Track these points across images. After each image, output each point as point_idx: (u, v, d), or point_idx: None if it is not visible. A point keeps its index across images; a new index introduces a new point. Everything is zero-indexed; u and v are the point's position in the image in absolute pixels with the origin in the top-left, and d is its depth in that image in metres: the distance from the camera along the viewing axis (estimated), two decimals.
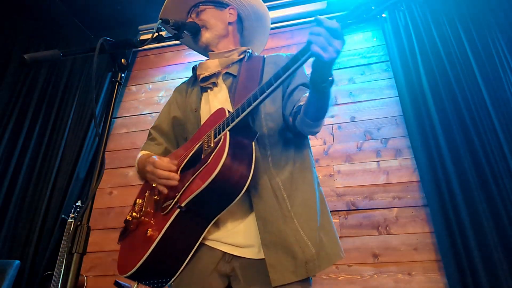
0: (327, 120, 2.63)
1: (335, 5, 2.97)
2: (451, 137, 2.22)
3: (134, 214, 1.11)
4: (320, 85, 0.96)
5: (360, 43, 2.88)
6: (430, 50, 2.51)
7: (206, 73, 1.28)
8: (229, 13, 1.37)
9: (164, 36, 1.10)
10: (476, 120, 2.22)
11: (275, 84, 0.97)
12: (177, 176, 1.05)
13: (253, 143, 1.03)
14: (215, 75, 1.28)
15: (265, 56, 1.33)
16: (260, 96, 0.99)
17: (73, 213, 2.39)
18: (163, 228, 0.98)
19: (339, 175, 2.45)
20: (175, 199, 1.01)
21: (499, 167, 2.07)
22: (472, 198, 2.04)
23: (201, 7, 1.35)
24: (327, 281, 2.18)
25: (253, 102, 1.00)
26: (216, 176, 0.92)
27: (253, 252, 1.04)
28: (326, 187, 2.43)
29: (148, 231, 1.02)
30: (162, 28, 1.12)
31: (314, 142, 2.60)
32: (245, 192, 0.97)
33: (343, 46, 0.91)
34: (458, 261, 1.95)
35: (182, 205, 0.95)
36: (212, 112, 1.19)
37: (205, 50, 1.37)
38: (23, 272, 2.37)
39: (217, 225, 1.09)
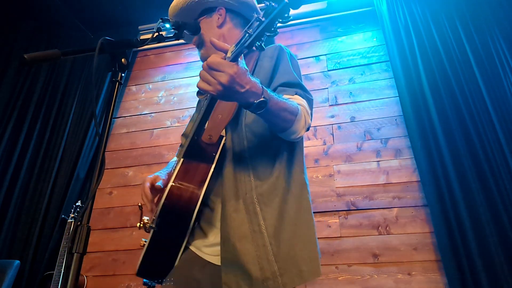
0: (327, 120, 2.65)
1: (335, 5, 2.98)
2: (451, 137, 2.22)
3: (145, 221, 1.23)
4: (248, 110, 0.93)
5: (360, 43, 2.88)
6: (430, 50, 2.51)
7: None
8: (218, 16, 1.33)
9: (164, 36, 1.10)
10: (476, 120, 2.22)
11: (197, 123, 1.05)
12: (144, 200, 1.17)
13: (212, 166, 1.09)
14: None
15: (263, 50, 1.31)
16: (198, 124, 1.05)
17: (73, 213, 2.39)
18: (149, 240, 1.12)
19: (339, 175, 2.45)
20: (152, 219, 1.13)
21: (499, 167, 2.07)
22: (472, 198, 2.04)
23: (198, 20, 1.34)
24: (327, 281, 2.18)
25: (194, 131, 1.07)
26: (166, 198, 1.03)
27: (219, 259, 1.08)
28: (326, 187, 2.43)
29: (142, 241, 1.19)
30: (162, 28, 1.11)
31: (314, 142, 2.60)
32: (215, 207, 1.09)
33: (231, 77, 0.83)
34: (458, 261, 1.95)
35: (153, 225, 1.06)
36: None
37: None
38: (23, 272, 2.37)
39: (204, 233, 1.14)
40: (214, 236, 1.10)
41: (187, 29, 1.26)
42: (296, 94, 1.10)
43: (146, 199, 1.16)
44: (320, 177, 2.48)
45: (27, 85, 3.08)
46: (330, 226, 2.32)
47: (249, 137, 1.12)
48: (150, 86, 3.20)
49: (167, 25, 1.18)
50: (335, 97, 2.72)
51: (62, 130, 2.92)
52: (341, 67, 2.82)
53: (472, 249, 1.93)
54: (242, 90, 0.86)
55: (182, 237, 1.10)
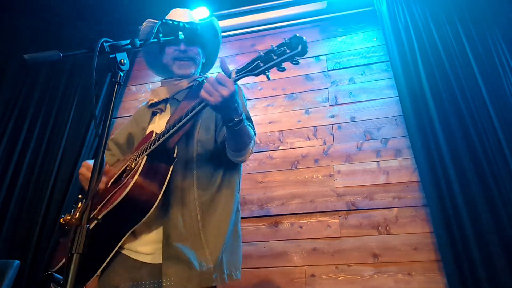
0: (327, 120, 2.65)
1: (335, 5, 2.98)
2: (451, 137, 2.22)
3: (68, 217, 1.26)
4: (227, 124, 1.10)
5: (360, 43, 2.88)
6: (430, 50, 2.51)
7: (155, 100, 1.44)
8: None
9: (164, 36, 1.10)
10: (476, 120, 2.22)
11: (178, 125, 1.12)
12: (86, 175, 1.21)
13: (170, 168, 1.17)
14: (163, 101, 1.43)
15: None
16: (172, 128, 1.13)
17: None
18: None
19: (339, 175, 2.45)
20: (95, 211, 1.13)
21: (499, 167, 2.06)
22: (472, 198, 2.04)
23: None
24: (327, 281, 2.18)
25: (166, 134, 1.14)
26: (125, 195, 1.05)
27: (159, 257, 1.15)
28: (326, 187, 2.43)
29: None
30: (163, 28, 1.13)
31: (314, 142, 2.60)
32: (161, 208, 1.15)
33: (231, 93, 1.00)
34: (458, 261, 1.95)
35: (99, 217, 1.06)
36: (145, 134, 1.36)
37: (172, 75, 1.47)
38: (23, 272, 2.37)
39: (133, 235, 1.20)
40: (149, 236, 1.19)
41: (186, 30, 1.27)
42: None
43: (86, 170, 1.23)
44: (320, 177, 2.48)
45: (27, 85, 3.08)
46: (330, 226, 2.32)
47: (199, 151, 1.27)
48: (150, 86, 3.21)
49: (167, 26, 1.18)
50: (335, 97, 2.72)
51: (62, 130, 2.92)
52: (341, 67, 2.82)
53: (472, 249, 1.93)
54: (232, 107, 1.05)
55: (123, 234, 1.12)
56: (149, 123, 1.43)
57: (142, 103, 1.66)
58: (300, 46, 0.93)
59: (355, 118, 2.61)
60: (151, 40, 1.09)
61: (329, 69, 2.84)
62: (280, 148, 2.64)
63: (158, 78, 3.19)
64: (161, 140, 1.14)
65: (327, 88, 2.77)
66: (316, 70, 2.87)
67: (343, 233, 2.28)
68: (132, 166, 1.18)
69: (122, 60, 0.95)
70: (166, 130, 1.15)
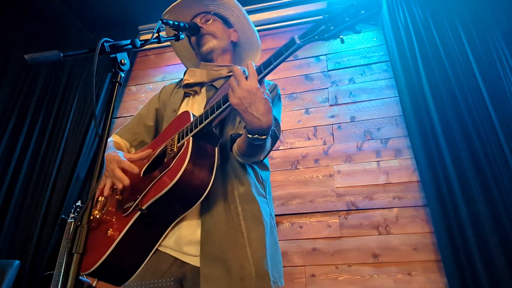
0: (327, 120, 2.65)
1: (335, 5, 2.97)
2: (451, 137, 2.22)
3: (96, 212, 1.12)
4: (246, 135, 1.00)
5: (360, 43, 2.87)
6: (430, 50, 2.51)
7: (191, 80, 1.32)
8: (233, 33, 1.43)
9: (164, 36, 1.10)
10: (476, 120, 2.22)
11: (224, 106, 1.01)
12: (127, 181, 1.04)
13: (216, 149, 1.05)
14: (199, 84, 1.32)
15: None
16: (224, 104, 1.01)
17: (73, 213, 2.39)
18: (123, 229, 0.99)
19: (339, 175, 2.45)
20: (137, 201, 1.01)
21: (499, 167, 2.06)
22: (472, 198, 2.04)
23: (211, 17, 1.38)
24: (327, 281, 2.18)
25: (216, 111, 1.02)
26: (177, 181, 0.94)
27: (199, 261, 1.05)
28: (326, 187, 2.43)
29: (109, 231, 1.03)
30: (162, 28, 1.12)
31: (314, 142, 2.60)
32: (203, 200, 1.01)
33: (250, 91, 0.92)
34: (458, 261, 1.95)
35: (143, 207, 0.96)
36: (178, 114, 1.22)
37: (202, 58, 1.38)
38: (23, 272, 2.37)
39: (173, 232, 1.09)
40: (188, 232, 1.07)
41: (187, 30, 1.28)
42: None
43: (125, 182, 1.04)
44: (320, 177, 2.48)
45: (27, 85, 3.08)
46: (330, 226, 2.32)
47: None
48: (150, 86, 3.20)
49: (167, 26, 1.18)
50: (335, 97, 2.72)
51: (62, 130, 2.92)
52: (341, 67, 2.82)
53: (472, 249, 1.93)
54: (256, 114, 0.94)
55: (166, 227, 1.02)
56: (180, 104, 1.32)
57: (171, 81, 1.53)
58: (375, 4, 0.85)
59: (355, 118, 2.61)
60: (151, 40, 1.08)
61: (329, 69, 2.84)
62: (280, 148, 2.64)
63: (158, 78, 3.21)
64: (210, 118, 1.01)
65: (327, 88, 2.77)
66: (316, 70, 2.87)
67: (343, 233, 2.28)
68: (175, 149, 1.05)
69: (122, 60, 0.95)
70: (212, 110, 1.03)
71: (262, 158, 1.16)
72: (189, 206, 1.00)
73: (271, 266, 1.05)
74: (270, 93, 1.24)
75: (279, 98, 1.32)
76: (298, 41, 0.92)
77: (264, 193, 1.19)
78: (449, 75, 2.40)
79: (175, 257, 1.07)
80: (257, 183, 1.18)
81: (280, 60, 0.93)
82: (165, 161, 1.07)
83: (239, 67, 0.98)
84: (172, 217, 1.03)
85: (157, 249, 1.08)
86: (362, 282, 2.13)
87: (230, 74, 1.31)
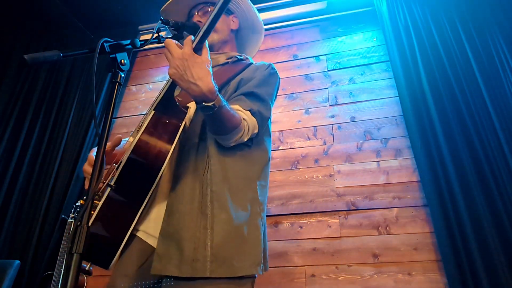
0: (327, 120, 2.65)
1: (335, 5, 2.98)
2: (451, 137, 2.22)
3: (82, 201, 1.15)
4: (197, 105, 0.96)
5: (360, 43, 2.88)
6: (430, 50, 2.51)
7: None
8: (232, 21, 1.40)
9: (164, 36, 1.10)
10: (476, 120, 2.22)
11: None
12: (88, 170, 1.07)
13: (182, 123, 1.03)
14: None
15: (252, 63, 1.35)
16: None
17: (73, 213, 2.39)
18: (97, 208, 1.00)
19: (339, 175, 2.45)
20: (108, 179, 1.04)
21: (499, 167, 2.06)
22: (472, 198, 2.04)
23: (211, 8, 1.34)
24: (327, 281, 2.18)
25: (166, 85, 1.01)
26: (132, 151, 0.95)
27: None
28: (326, 187, 2.43)
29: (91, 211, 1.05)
30: (162, 28, 1.12)
31: (314, 142, 2.60)
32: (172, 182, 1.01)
33: (179, 59, 0.91)
34: (458, 261, 1.95)
35: (111, 183, 0.96)
36: None
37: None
38: (23, 272, 2.37)
39: (147, 214, 1.09)
40: (159, 216, 1.06)
41: (186, 30, 1.27)
42: (249, 110, 1.11)
43: (88, 166, 1.07)
44: (320, 177, 2.48)
45: (27, 85, 3.08)
46: (330, 226, 2.32)
47: None
48: (151, 86, 3.21)
49: (167, 26, 1.18)
50: (335, 97, 2.72)
51: (62, 130, 2.92)
52: (341, 67, 2.82)
53: (472, 249, 1.93)
54: (192, 81, 0.90)
55: (139, 204, 1.02)
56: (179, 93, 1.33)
57: None
58: None
59: (355, 118, 2.61)
60: (151, 40, 1.08)
61: (329, 69, 2.84)
62: (280, 148, 2.64)
63: (158, 78, 3.21)
64: (165, 87, 0.99)
65: (327, 88, 2.77)
66: (316, 70, 2.87)
67: (343, 233, 2.28)
68: (142, 125, 1.06)
69: (122, 60, 0.95)
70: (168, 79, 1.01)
71: (238, 136, 1.06)
72: (153, 179, 0.99)
73: (241, 253, 1.00)
74: (263, 71, 1.23)
75: (274, 74, 1.28)
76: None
77: (251, 176, 1.15)
78: (449, 75, 2.40)
79: (151, 245, 1.06)
80: (245, 165, 1.14)
81: (213, 15, 0.89)
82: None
83: (172, 40, 0.96)
84: (141, 193, 1.01)
85: (137, 236, 1.09)
86: (362, 282, 2.13)
87: (228, 60, 1.31)
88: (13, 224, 2.60)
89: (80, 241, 0.74)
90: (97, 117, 2.95)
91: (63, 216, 2.49)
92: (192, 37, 0.93)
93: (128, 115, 3.12)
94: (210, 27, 0.90)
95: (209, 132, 1.10)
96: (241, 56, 1.36)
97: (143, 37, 3.08)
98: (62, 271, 2.09)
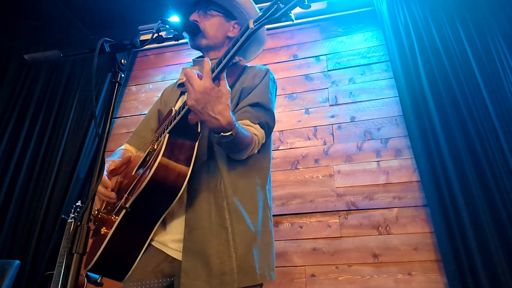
0: (327, 120, 2.65)
1: (335, 5, 2.98)
2: (451, 137, 2.22)
3: (95, 212, 1.18)
4: (215, 136, 0.98)
5: (360, 43, 2.87)
6: (430, 50, 2.51)
7: (184, 79, 1.30)
8: (233, 27, 1.37)
9: (164, 36, 1.10)
10: (476, 120, 2.22)
11: None
12: (110, 195, 1.10)
13: (196, 144, 1.07)
14: None
15: (247, 66, 1.35)
16: (186, 106, 1.00)
17: (73, 213, 2.39)
18: (112, 227, 1.03)
19: (339, 175, 2.45)
20: (122, 200, 1.07)
21: (499, 167, 2.06)
22: (472, 198, 2.04)
23: (212, 12, 1.33)
24: (327, 281, 2.18)
25: (181, 111, 1.03)
26: (152, 176, 0.97)
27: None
28: (326, 187, 2.43)
29: (103, 230, 1.08)
30: (162, 28, 1.12)
31: (314, 142, 2.60)
32: (188, 196, 1.05)
33: (201, 94, 0.90)
34: (458, 261, 1.95)
35: (127, 205, 1.00)
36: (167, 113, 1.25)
37: (198, 50, 1.40)
38: (23, 272, 2.37)
39: (164, 228, 1.13)
40: (178, 229, 1.10)
41: (186, 30, 1.27)
42: (258, 123, 1.14)
43: (104, 187, 1.11)
44: (320, 177, 2.48)
45: (27, 85, 3.08)
46: (330, 226, 2.32)
47: None
48: (150, 86, 3.20)
49: (167, 26, 1.18)
50: (335, 97, 2.72)
51: (62, 130, 2.92)
52: (341, 67, 2.82)
53: (472, 249, 1.93)
54: (212, 114, 0.91)
55: (154, 223, 1.05)
56: (176, 102, 1.33)
57: (171, 82, 1.53)
58: None
59: (355, 118, 2.61)
60: (151, 40, 1.08)
61: (329, 69, 2.84)
62: (280, 148, 2.64)
63: (158, 78, 3.21)
64: (181, 113, 1.02)
65: (327, 88, 2.77)
66: (316, 70, 2.87)
67: (343, 233, 2.28)
68: (155, 147, 1.10)
69: (122, 60, 0.95)
70: (180, 109, 1.04)
71: (250, 150, 1.11)
72: (171, 200, 1.02)
73: (260, 260, 1.05)
74: (262, 78, 1.25)
75: (273, 81, 1.29)
76: (252, 25, 0.89)
77: (259, 183, 1.18)
78: (449, 75, 2.40)
79: (167, 254, 1.10)
80: (252, 173, 1.17)
81: (237, 47, 0.90)
82: (147, 159, 1.12)
83: (193, 70, 0.95)
84: (157, 212, 1.05)
85: (151, 245, 1.11)
86: (362, 282, 2.13)
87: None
88: (13, 224, 2.60)
89: (80, 241, 0.74)
90: (97, 117, 2.95)
91: (63, 216, 2.49)
92: (209, 62, 0.93)
93: (128, 115, 3.12)
94: (230, 60, 0.92)
95: (222, 150, 1.13)
96: (235, 61, 1.36)
97: (143, 37, 3.07)
98: (62, 271, 2.09)
